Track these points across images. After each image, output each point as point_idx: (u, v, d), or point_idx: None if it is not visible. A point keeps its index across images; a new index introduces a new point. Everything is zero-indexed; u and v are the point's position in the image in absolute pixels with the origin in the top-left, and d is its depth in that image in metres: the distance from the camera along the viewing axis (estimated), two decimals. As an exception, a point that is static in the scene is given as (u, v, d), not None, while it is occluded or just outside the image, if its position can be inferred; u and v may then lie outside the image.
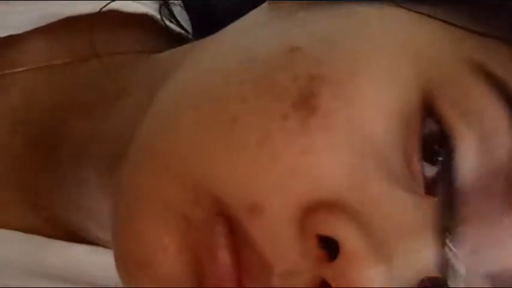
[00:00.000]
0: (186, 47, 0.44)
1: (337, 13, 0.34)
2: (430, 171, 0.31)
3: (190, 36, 0.51)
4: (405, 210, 0.30)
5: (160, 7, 0.50)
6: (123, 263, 0.34)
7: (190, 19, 0.52)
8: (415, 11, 0.33)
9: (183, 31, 0.50)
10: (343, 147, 0.30)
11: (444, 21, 0.32)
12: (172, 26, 0.51)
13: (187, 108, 0.33)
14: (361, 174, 0.30)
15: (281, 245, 0.30)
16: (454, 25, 0.32)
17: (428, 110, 0.31)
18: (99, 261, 0.46)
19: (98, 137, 0.44)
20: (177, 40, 0.50)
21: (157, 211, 0.32)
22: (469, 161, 0.31)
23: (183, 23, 0.51)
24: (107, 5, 0.46)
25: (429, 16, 0.33)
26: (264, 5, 0.38)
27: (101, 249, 0.46)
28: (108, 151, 0.42)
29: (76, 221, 0.46)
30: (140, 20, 0.49)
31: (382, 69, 0.31)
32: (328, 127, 0.30)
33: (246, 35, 0.35)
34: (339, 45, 0.32)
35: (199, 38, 0.49)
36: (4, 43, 0.47)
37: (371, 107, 0.30)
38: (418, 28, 0.33)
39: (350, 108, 0.30)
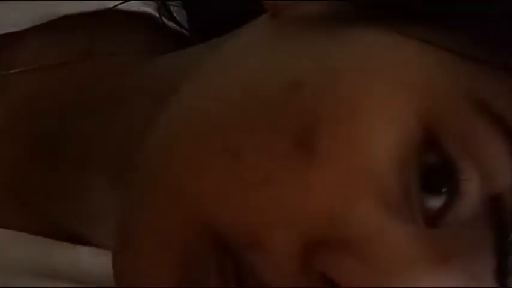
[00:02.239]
0: (188, 53, 0.44)
1: (339, 39, 0.34)
2: (432, 202, 0.32)
3: (189, 35, 0.51)
4: (405, 242, 0.31)
5: (158, 6, 0.50)
6: (119, 284, 0.34)
7: (188, 17, 0.52)
8: (420, 40, 0.33)
9: (183, 30, 0.50)
10: (344, 185, 0.31)
11: (446, 48, 0.32)
12: (171, 24, 0.51)
13: (191, 140, 0.33)
14: (361, 210, 0.31)
15: (284, 277, 0.31)
16: (457, 52, 0.32)
17: (430, 144, 0.31)
18: (103, 262, 0.46)
19: (100, 142, 0.44)
20: (177, 39, 0.50)
21: (157, 245, 0.32)
22: (471, 194, 0.31)
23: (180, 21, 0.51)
24: (117, 5, 0.47)
25: (432, 44, 0.33)
26: (265, 20, 0.37)
27: (105, 251, 0.46)
28: (112, 157, 0.42)
29: (79, 226, 0.46)
30: (140, 19, 0.49)
31: (383, 105, 0.31)
32: (329, 167, 0.30)
33: (249, 60, 0.35)
34: (340, 80, 0.32)
35: (197, 37, 0.50)
36: (3, 41, 0.47)
37: (372, 144, 0.31)
38: (421, 59, 0.33)
39: (350, 147, 0.31)
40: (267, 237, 0.31)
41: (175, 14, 0.51)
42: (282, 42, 0.35)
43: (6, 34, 0.47)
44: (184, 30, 0.50)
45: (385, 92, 0.32)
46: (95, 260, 0.46)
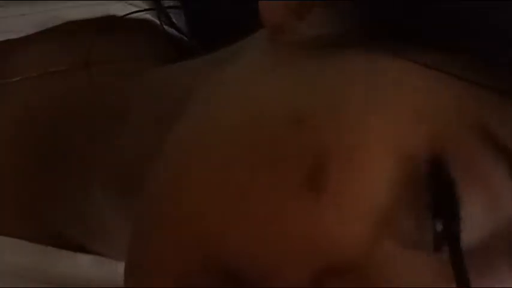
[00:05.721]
0: (189, 70, 0.43)
1: (342, 67, 0.34)
2: (440, 226, 0.32)
3: (188, 40, 0.51)
4: (415, 270, 0.31)
5: (158, 12, 0.50)
6: None
7: (188, 23, 0.52)
8: (425, 66, 0.32)
9: (183, 36, 0.50)
10: (354, 219, 0.31)
11: (452, 74, 0.32)
12: (171, 30, 0.51)
13: (199, 166, 0.33)
14: (371, 242, 0.31)
15: None
16: (463, 78, 0.32)
17: (436, 172, 0.31)
18: (104, 271, 0.46)
19: (100, 153, 0.44)
20: (178, 45, 0.50)
21: (164, 271, 0.33)
22: (473, 221, 0.31)
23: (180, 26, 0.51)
24: (126, 15, 0.47)
25: (438, 70, 0.32)
26: (265, 44, 0.37)
27: (105, 259, 0.47)
28: (111, 168, 0.43)
29: (79, 234, 0.46)
30: (140, 25, 0.49)
31: (390, 138, 0.31)
32: (337, 204, 0.31)
33: (252, 92, 0.35)
34: (344, 113, 0.32)
35: (197, 42, 0.50)
36: (3, 47, 0.47)
37: (379, 177, 0.31)
38: (426, 86, 0.32)
39: (359, 182, 0.31)
40: (278, 270, 0.31)
41: (174, 20, 0.51)
42: (284, 71, 0.35)
43: (7, 40, 0.47)
44: (184, 36, 0.51)
45: (390, 123, 0.32)
46: (95, 268, 0.46)
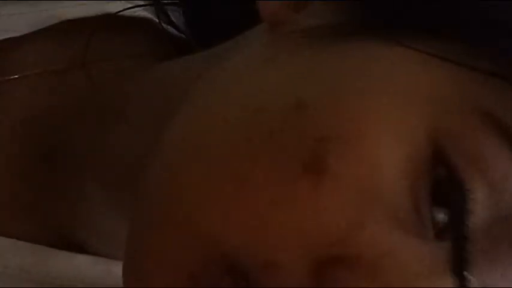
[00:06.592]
0: (188, 65, 0.43)
1: (343, 55, 0.34)
2: (441, 215, 0.32)
3: (187, 38, 0.51)
4: (416, 257, 0.31)
5: (156, 10, 0.50)
6: None
7: (187, 21, 0.52)
8: (426, 53, 0.32)
9: (181, 34, 0.50)
10: (354, 205, 0.30)
11: (453, 61, 0.32)
12: (170, 28, 0.51)
13: (197, 163, 0.33)
14: (372, 228, 0.31)
15: None
16: (463, 64, 0.32)
17: (438, 158, 0.31)
18: (101, 271, 0.46)
19: (100, 152, 0.44)
20: (177, 43, 0.50)
21: (166, 269, 0.33)
22: (478, 207, 0.31)
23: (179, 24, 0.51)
24: (120, 11, 0.46)
25: (439, 57, 0.32)
26: (265, 35, 0.37)
27: (102, 259, 0.47)
28: (111, 168, 0.43)
29: (78, 234, 0.46)
30: (139, 24, 0.49)
31: (390, 122, 0.31)
32: (337, 188, 0.30)
33: (251, 82, 0.35)
34: (345, 99, 0.32)
35: (196, 40, 0.50)
36: (1, 46, 0.47)
37: (380, 162, 0.31)
38: (427, 73, 0.32)
39: (359, 167, 0.31)
40: (279, 257, 0.31)
41: (173, 18, 0.51)
42: (284, 60, 0.35)
43: (5, 39, 0.47)
44: (183, 34, 0.51)
45: (391, 108, 0.32)
46: (93, 268, 0.46)
